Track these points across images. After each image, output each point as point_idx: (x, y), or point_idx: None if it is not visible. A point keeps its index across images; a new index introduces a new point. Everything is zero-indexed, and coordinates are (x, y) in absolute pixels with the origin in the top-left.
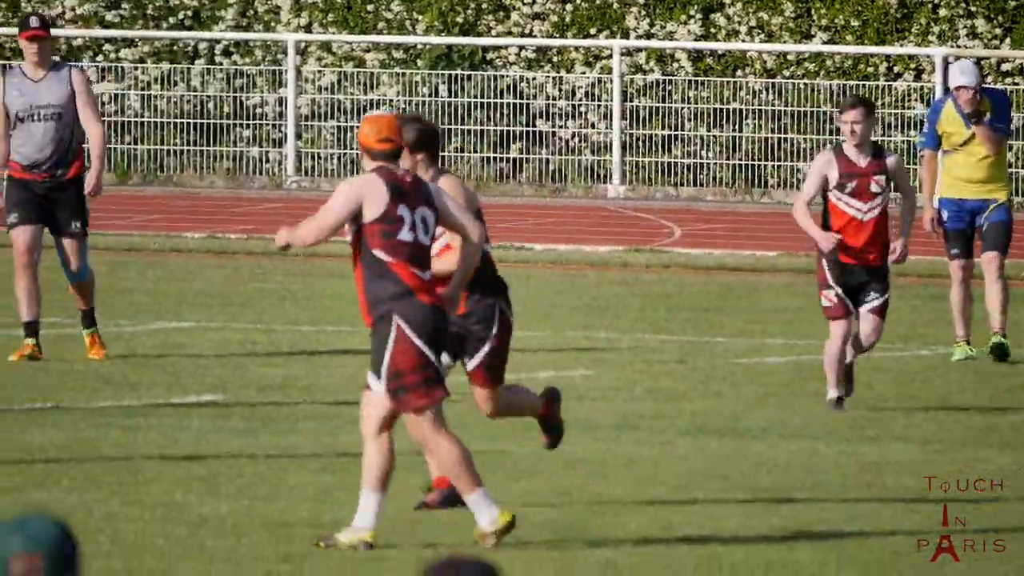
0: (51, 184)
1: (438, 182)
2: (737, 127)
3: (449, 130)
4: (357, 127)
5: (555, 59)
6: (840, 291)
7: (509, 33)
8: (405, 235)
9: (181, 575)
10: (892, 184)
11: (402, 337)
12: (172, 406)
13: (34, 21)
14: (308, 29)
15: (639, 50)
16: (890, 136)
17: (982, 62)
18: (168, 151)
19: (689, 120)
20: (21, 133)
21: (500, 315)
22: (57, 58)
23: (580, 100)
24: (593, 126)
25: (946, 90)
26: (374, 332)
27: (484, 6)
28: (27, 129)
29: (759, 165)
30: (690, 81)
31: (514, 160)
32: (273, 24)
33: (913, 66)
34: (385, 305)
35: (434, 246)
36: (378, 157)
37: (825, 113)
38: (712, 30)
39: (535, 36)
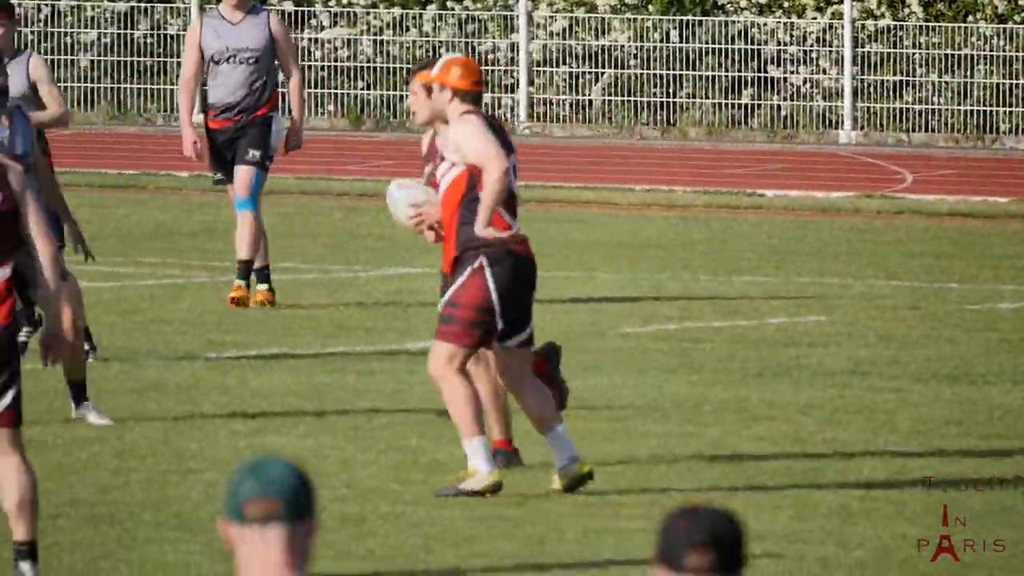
0: (239, 125)
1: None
2: (968, 73)
3: (680, 76)
4: (589, 72)
5: (786, 4)
6: None
7: None
8: None
9: (416, 519)
10: None
11: (479, 275)
12: (406, 352)
13: None
14: None
15: None
16: None
17: None
18: (400, 96)
19: (920, 66)
20: (216, 76)
21: None
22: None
23: (811, 46)
24: (824, 72)
25: None
26: (457, 264)
27: None
28: (222, 72)
29: (991, 111)
30: (921, 27)
31: (745, 106)
32: None
33: None
34: (477, 249)
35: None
36: (468, 99)
37: None
38: None
39: None
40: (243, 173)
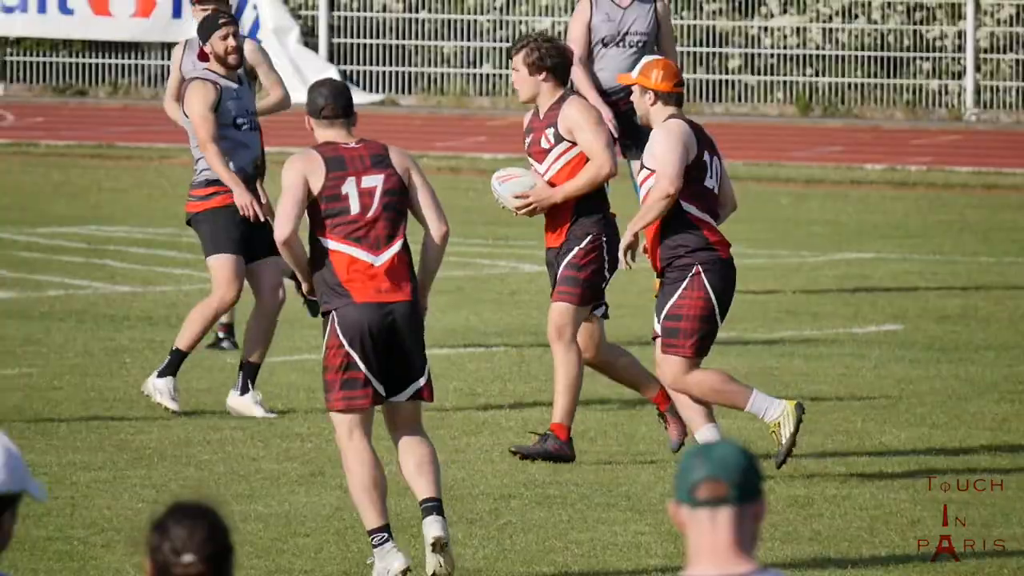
0: (622, 110)
1: (564, 105)
2: None
3: None
4: None
5: None
6: None
7: None
8: (709, 183)
9: (862, 502)
10: None
11: (698, 284)
12: (853, 336)
13: None
14: None
15: None
16: None
17: None
18: (849, 84)
19: None
20: (603, 58)
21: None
22: None
23: None
24: None
25: None
26: (667, 277)
27: None
28: (610, 55)
29: None
30: None
31: None
32: None
33: None
34: (685, 258)
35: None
36: (672, 102)
37: None
38: None
39: None
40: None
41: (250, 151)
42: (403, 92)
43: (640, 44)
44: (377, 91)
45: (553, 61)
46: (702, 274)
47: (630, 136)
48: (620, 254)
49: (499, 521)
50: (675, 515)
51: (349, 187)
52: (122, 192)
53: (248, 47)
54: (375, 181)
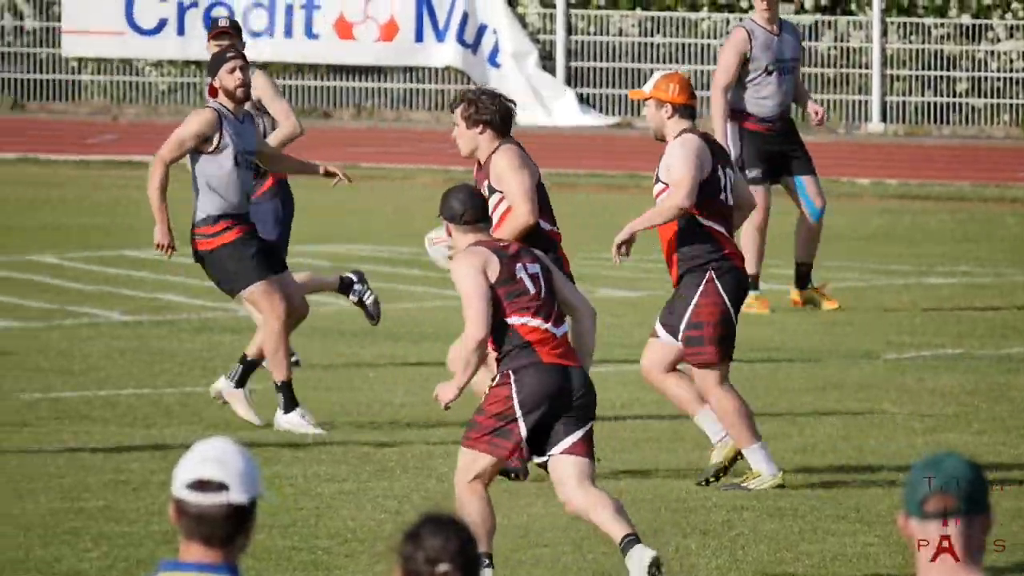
0: (778, 136)
1: (494, 156)
2: None
3: None
4: None
5: None
6: None
7: None
8: (723, 196)
9: None
10: None
11: (711, 290)
12: None
13: None
14: None
15: None
16: None
17: None
18: None
19: None
20: (761, 87)
21: None
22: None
23: None
24: None
25: None
26: (680, 285)
27: None
28: (767, 81)
29: None
30: None
31: None
32: None
33: None
34: (699, 261)
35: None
36: (686, 115)
37: None
38: None
39: None
40: (810, 183)
41: (239, 188)
42: (638, 115)
43: (793, 69)
44: (612, 114)
45: (489, 115)
46: (715, 280)
47: (764, 161)
48: (613, 249)
49: (732, 532)
50: (904, 527)
51: (520, 272)
52: (366, 212)
53: (254, 79)
54: (535, 268)
